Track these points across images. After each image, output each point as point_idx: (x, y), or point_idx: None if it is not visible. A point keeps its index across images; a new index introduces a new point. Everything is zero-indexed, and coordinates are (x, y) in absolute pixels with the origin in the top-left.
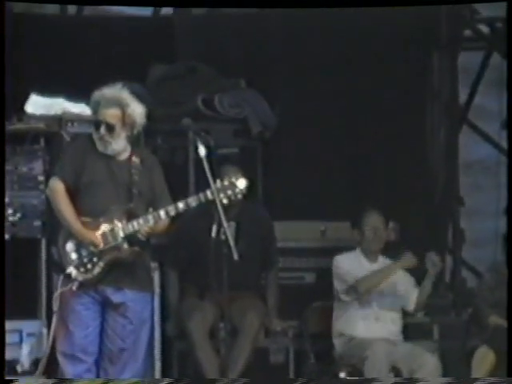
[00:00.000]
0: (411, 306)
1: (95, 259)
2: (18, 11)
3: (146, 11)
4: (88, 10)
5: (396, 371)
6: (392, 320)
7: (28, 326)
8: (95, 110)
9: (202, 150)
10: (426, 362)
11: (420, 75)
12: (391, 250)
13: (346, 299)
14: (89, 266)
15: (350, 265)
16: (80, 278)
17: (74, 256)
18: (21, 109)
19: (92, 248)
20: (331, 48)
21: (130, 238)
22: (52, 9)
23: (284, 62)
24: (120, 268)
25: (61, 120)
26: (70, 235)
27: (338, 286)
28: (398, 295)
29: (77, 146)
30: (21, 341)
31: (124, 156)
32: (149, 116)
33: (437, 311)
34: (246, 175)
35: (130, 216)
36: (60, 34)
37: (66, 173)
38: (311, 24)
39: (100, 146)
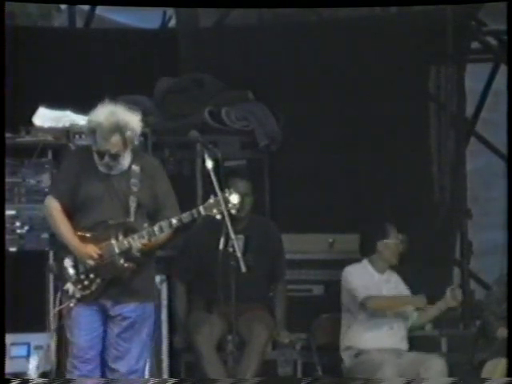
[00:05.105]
0: (408, 324)
1: (92, 276)
2: (27, 25)
3: (153, 24)
4: (95, 23)
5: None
6: (404, 328)
7: (36, 338)
8: (93, 139)
9: (210, 163)
10: (432, 363)
11: (426, 88)
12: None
13: (360, 316)
14: (86, 282)
15: (361, 278)
16: (77, 295)
17: (71, 271)
18: (29, 121)
19: (89, 264)
20: (337, 61)
21: (126, 254)
22: (60, 22)
23: (289, 75)
24: (118, 283)
25: (68, 132)
26: (69, 251)
27: (349, 303)
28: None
29: (72, 162)
30: (28, 354)
31: (124, 166)
32: (156, 129)
33: (445, 324)
34: (253, 187)
35: (128, 231)
36: (67, 46)
37: (60, 192)
38: (315, 36)
39: (104, 170)
